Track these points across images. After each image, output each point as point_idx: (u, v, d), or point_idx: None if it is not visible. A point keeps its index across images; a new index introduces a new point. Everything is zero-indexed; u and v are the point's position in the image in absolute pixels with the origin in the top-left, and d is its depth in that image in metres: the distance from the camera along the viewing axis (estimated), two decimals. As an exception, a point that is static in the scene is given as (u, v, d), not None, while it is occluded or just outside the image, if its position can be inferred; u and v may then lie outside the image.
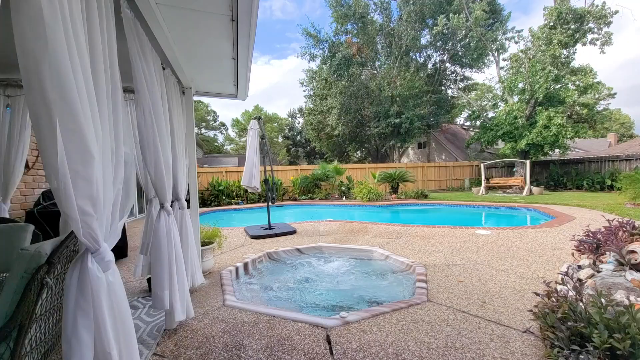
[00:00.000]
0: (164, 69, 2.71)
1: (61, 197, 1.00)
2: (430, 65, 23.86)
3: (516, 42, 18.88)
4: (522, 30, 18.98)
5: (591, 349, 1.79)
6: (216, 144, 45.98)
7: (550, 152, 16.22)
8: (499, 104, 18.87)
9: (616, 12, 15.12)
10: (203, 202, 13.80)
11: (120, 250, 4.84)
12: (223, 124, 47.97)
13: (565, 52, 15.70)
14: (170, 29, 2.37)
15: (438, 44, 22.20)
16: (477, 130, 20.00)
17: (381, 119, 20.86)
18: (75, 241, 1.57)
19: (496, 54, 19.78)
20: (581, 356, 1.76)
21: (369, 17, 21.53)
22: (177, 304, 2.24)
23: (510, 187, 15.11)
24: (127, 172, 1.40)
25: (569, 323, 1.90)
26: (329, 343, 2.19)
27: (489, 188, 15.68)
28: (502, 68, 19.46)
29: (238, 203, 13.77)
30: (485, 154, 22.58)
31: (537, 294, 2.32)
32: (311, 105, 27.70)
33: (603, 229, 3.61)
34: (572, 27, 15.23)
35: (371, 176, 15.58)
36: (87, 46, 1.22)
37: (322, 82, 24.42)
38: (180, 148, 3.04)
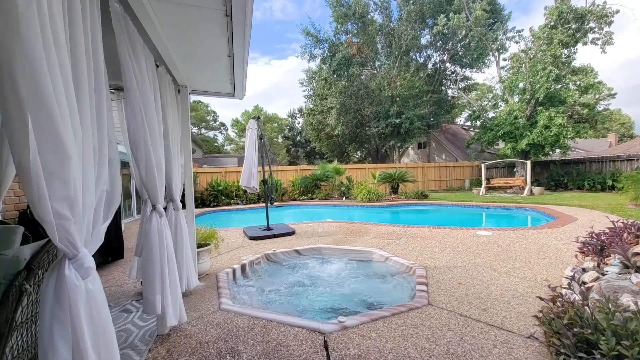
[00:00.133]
0: (157, 66, 2.64)
1: (34, 199, 0.93)
2: (430, 65, 23.79)
3: (517, 42, 18.82)
4: (522, 30, 18.93)
5: (598, 356, 1.72)
6: (216, 144, 45.94)
7: (551, 153, 16.14)
8: (500, 104, 18.79)
9: (617, 11, 15.05)
10: (202, 203, 13.73)
11: (117, 252, 4.77)
12: (223, 124, 47.95)
13: (566, 51, 15.62)
14: (163, 24, 2.30)
15: (438, 43, 22.12)
16: (477, 131, 19.93)
17: (381, 119, 20.78)
18: (60, 245, 1.50)
19: (496, 54, 19.70)
20: (588, 364, 1.69)
21: (369, 16, 21.45)
22: (169, 309, 2.17)
23: (510, 187, 15.03)
24: (112, 172, 1.32)
25: (575, 329, 1.83)
26: (327, 349, 2.12)
27: (489, 188, 15.61)
28: (502, 68, 19.39)
29: (237, 203, 13.70)
30: (486, 154, 22.50)
31: (542, 299, 2.25)
32: (311, 106, 27.64)
33: (607, 231, 3.54)
34: (573, 26, 15.16)
35: (371, 176, 15.50)
36: (68, 40, 1.16)
37: (321, 82, 24.36)
38: (175, 148, 2.97)
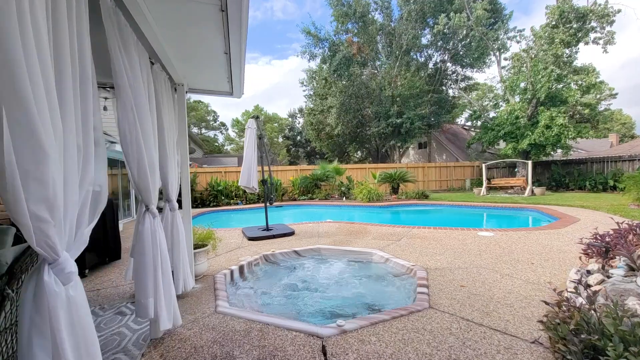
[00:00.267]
0: (152, 64, 2.58)
1: (9, 201, 0.87)
2: (431, 65, 23.69)
3: (518, 42, 18.70)
4: (523, 29, 18.83)
5: (605, 363, 1.65)
6: (216, 144, 45.89)
7: (552, 153, 16.05)
8: (501, 103, 18.70)
9: (619, 11, 14.96)
10: (202, 203, 13.67)
11: (114, 252, 4.72)
12: (223, 124, 47.90)
13: (567, 51, 15.53)
14: (157, 20, 2.23)
15: (439, 43, 22.03)
16: (478, 131, 19.84)
17: (382, 118, 20.70)
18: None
19: (497, 54, 19.60)
20: (596, 372, 1.62)
21: (369, 16, 21.37)
22: (163, 312, 2.11)
23: (511, 187, 14.95)
24: (99, 172, 1.26)
25: (582, 335, 1.76)
26: (325, 355, 2.06)
27: (490, 188, 15.53)
28: (503, 67, 19.29)
29: (237, 203, 13.64)
30: (487, 155, 22.40)
31: (547, 303, 2.18)
32: (311, 105, 27.58)
33: (612, 232, 3.47)
34: (575, 26, 15.07)
35: (371, 176, 15.43)
36: (51, 33, 1.10)
37: (322, 81, 24.29)
38: (171, 147, 2.91)
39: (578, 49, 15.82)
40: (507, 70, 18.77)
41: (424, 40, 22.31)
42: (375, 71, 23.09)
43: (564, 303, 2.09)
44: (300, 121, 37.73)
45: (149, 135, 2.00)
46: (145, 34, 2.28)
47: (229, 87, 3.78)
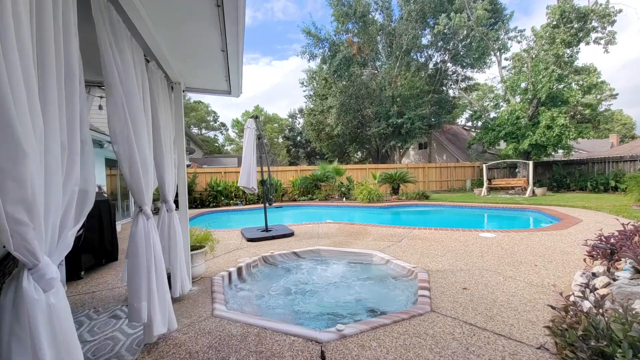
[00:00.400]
0: (148, 61, 2.52)
1: (-17, 203, 0.81)
2: (431, 65, 23.63)
3: (518, 42, 18.66)
4: (524, 29, 18.83)
5: (615, 370, 1.59)
6: (216, 144, 45.85)
7: (553, 153, 15.98)
8: (501, 104, 18.62)
9: (620, 11, 14.90)
10: (201, 203, 13.62)
11: (111, 254, 4.66)
12: (223, 125, 47.86)
13: (568, 51, 15.47)
14: (151, 16, 2.18)
15: (439, 43, 21.97)
16: (478, 131, 19.77)
17: (382, 119, 20.63)
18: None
19: (498, 54, 19.54)
20: (606, 380, 1.56)
21: (369, 16, 21.31)
22: (157, 316, 2.05)
23: (512, 188, 14.88)
24: (85, 171, 1.20)
25: (591, 342, 1.70)
26: (323, 360, 1.99)
27: (491, 189, 15.46)
28: (504, 68, 19.22)
29: (237, 204, 13.58)
30: (487, 155, 22.32)
31: (553, 308, 2.11)
32: (311, 106, 27.53)
33: (617, 234, 3.40)
34: (576, 26, 15.01)
35: (371, 177, 15.36)
36: (34, 26, 1.04)
37: (322, 82, 24.23)
38: (167, 146, 2.85)
39: (579, 49, 15.76)
40: (507, 71, 18.70)
41: (424, 41, 22.26)
42: (376, 71, 23.03)
43: (572, 307, 2.02)
44: (300, 122, 37.70)
45: (142, 134, 1.94)
46: (139, 31, 2.23)
47: (227, 86, 3.73)
